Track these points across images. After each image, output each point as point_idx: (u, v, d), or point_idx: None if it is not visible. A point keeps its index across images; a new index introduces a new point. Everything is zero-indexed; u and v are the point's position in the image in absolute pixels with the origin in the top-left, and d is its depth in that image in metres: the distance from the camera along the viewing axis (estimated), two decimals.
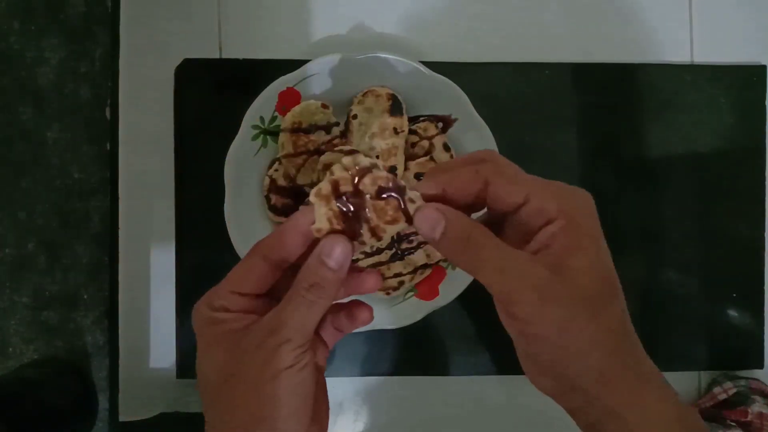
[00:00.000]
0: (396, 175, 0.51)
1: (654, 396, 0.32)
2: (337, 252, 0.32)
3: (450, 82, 0.52)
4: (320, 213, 0.33)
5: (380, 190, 0.33)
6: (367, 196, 0.33)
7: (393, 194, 0.32)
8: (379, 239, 0.34)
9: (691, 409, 0.34)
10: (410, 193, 0.32)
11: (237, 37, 0.56)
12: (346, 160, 0.33)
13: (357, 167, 0.33)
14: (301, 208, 0.51)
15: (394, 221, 0.33)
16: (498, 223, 0.34)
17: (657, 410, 0.32)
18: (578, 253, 0.31)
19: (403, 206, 0.32)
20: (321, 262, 0.32)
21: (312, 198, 0.33)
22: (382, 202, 0.33)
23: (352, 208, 0.33)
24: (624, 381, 0.32)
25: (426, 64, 0.52)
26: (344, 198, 0.33)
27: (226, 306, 0.33)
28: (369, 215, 0.33)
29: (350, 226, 0.33)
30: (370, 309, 0.36)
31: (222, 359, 0.32)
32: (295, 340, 0.31)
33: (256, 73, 0.54)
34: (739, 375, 0.57)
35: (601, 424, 0.33)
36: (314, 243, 0.33)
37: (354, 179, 0.33)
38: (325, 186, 0.33)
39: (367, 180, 0.33)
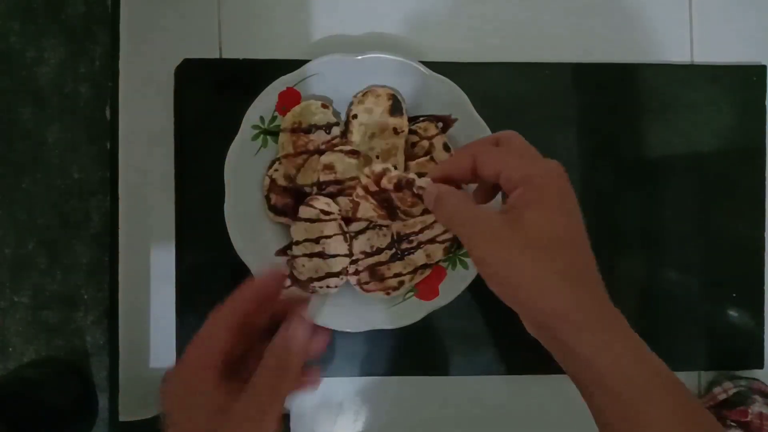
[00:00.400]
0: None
1: (619, 340, 0.36)
2: (299, 337, 0.36)
3: (450, 82, 0.52)
4: (366, 207, 0.47)
5: (397, 185, 0.44)
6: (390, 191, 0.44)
7: (405, 186, 0.44)
8: (414, 216, 0.46)
9: (653, 355, 0.36)
10: (419, 181, 0.42)
11: (237, 37, 0.56)
12: (366, 169, 0.46)
13: (374, 173, 0.45)
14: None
15: (414, 204, 0.45)
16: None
17: (621, 353, 0.35)
18: (533, 208, 0.36)
19: (415, 192, 0.43)
20: (286, 349, 0.36)
21: (356, 198, 0.47)
22: (401, 193, 0.44)
23: (384, 200, 0.46)
24: (584, 323, 0.35)
25: (426, 64, 0.52)
26: (375, 194, 0.46)
27: (198, 384, 0.35)
28: (397, 203, 0.45)
29: (389, 211, 0.46)
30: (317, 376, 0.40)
31: None
32: (272, 427, 0.35)
33: (256, 73, 0.54)
34: (739, 375, 0.57)
35: (575, 371, 0.37)
36: (276, 311, 0.38)
37: (375, 181, 0.45)
38: (358, 190, 0.47)
39: (384, 180, 0.45)
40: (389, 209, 0.46)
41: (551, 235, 0.36)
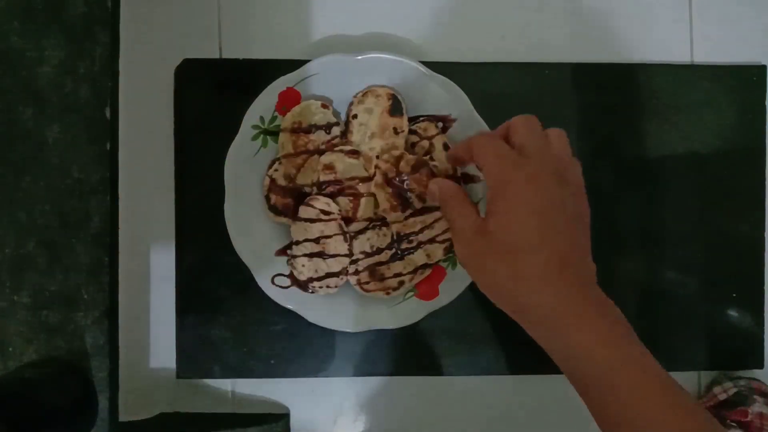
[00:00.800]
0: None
1: (600, 336, 0.38)
2: None
3: (450, 82, 0.52)
4: (381, 198, 0.51)
5: (414, 167, 0.50)
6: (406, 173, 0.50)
7: (421, 167, 0.50)
8: (425, 202, 0.51)
9: (639, 348, 0.39)
10: (433, 163, 0.51)
11: (237, 37, 0.56)
12: (385, 155, 0.51)
13: (393, 157, 0.51)
14: None
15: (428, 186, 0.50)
16: None
17: (599, 350, 0.37)
18: (500, 214, 0.39)
19: (429, 173, 0.50)
20: None
21: (373, 189, 0.51)
22: (417, 174, 0.50)
23: (399, 190, 0.51)
24: (559, 324, 0.38)
25: (426, 64, 0.52)
26: (393, 181, 0.50)
27: None
28: (413, 186, 0.50)
29: (402, 200, 0.51)
30: None
31: None
32: None
33: (256, 73, 0.54)
34: (739, 375, 0.57)
35: (564, 370, 0.40)
36: None
37: (394, 165, 0.51)
38: (377, 178, 0.51)
39: (402, 163, 0.50)
40: (403, 199, 0.51)
41: (515, 241, 0.39)
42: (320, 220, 0.51)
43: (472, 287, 0.52)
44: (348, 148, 0.52)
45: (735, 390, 0.54)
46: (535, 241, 0.38)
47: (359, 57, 0.51)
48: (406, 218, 0.52)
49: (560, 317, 0.38)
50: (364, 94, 0.52)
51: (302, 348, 0.55)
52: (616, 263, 0.57)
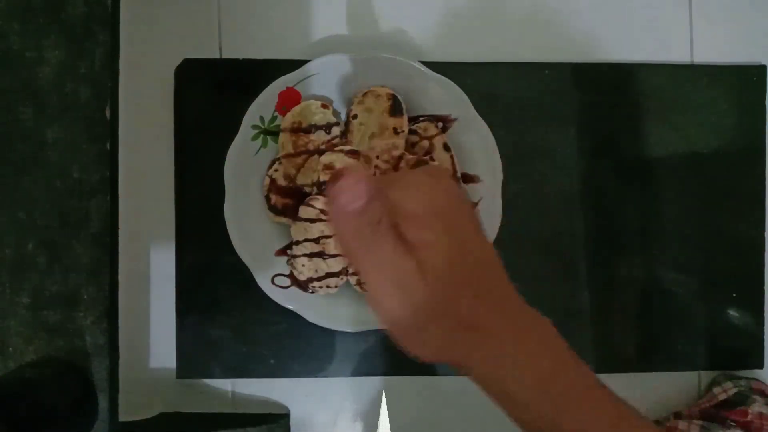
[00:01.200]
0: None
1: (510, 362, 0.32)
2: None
3: (450, 82, 0.52)
4: None
5: (414, 166, 0.50)
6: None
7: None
8: None
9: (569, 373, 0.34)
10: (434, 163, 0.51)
11: (237, 37, 0.56)
12: (385, 155, 0.51)
13: (393, 158, 0.51)
14: None
15: None
16: None
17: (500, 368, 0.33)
18: (421, 250, 0.31)
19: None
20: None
21: None
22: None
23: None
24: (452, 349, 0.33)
25: (426, 64, 0.52)
26: None
27: None
28: None
29: None
30: None
31: None
32: None
33: (256, 73, 0.54)
34: (739, 375, 0.57)
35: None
36: None
37: (394, 166, 0.51)
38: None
39: (402, 163, 0.51)
40: None
41: (454, 284, 0.32)
42: (320, 220, 0.51)
43: None
44: (348, 148, 0.52)
45: (735, 390, 0.54)
46: (458, 284, 0.32)
47: (359, 57, 0.51)
48: None
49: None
50: (364, 94, 0.52)
51: (302, 348, 0.55)
52: (616, 263, 0.57)
